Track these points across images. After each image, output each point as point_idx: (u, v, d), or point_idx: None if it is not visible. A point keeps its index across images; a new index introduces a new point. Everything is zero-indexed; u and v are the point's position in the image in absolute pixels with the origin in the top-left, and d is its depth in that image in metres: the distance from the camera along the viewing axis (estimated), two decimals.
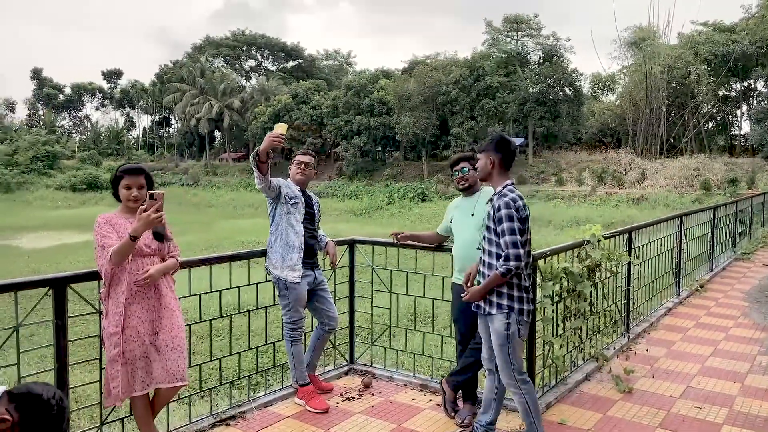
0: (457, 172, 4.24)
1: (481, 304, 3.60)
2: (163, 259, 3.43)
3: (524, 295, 3.53)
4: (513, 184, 3.59)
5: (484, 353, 3.75)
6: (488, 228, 3.54)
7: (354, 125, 46.78)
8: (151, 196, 3.19)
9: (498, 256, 3.46)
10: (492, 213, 3.49)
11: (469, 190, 4.22)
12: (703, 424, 4.17)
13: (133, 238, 3.13)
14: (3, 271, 14.65)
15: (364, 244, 5.21)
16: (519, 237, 3.40)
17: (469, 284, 3.74)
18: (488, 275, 3.50)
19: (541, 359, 4.54)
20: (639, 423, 4.18)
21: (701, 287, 8.53)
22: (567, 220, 27.24)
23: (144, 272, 3.27)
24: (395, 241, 4.64)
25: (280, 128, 4.01)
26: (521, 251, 3.40)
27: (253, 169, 4.15)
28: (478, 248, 3.70)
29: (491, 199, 3.57)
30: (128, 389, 3.26)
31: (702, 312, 7.32)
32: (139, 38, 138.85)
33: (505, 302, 3.49)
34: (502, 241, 3.42)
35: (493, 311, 3.52)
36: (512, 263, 3.37)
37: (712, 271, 9.65)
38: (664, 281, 7.55)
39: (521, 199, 3.52)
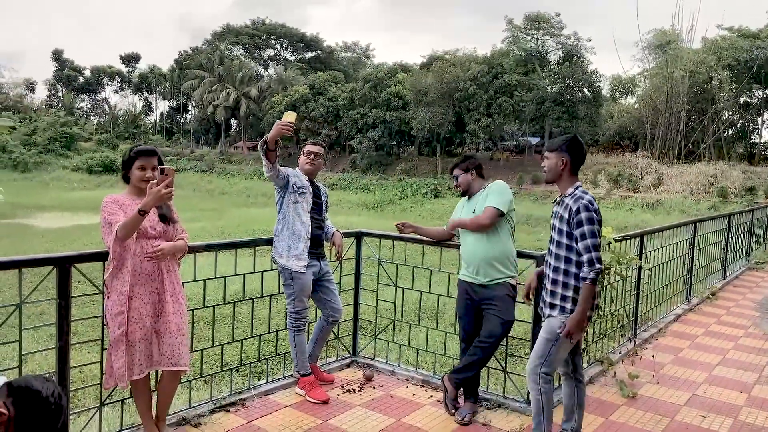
0: (455, 179, 4.25)
1: (542, 306, 3.54)
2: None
3: (591, 300, 3.42)
4: (581, 185, 3.48)
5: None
6: (560, 231, 3.41)
7: (370, 118, 46.72)
8: (162, 171, 3.19)
9: (572, 261, 3.36)
10: (566, 216, 3.36)
11: (466, 194, 4.22)
12: None
13: (142, 212, 3.11)
14: (17, 250, 14.82)
15: (371, 237, 5.19)
16: (598, 240, 3.32)
17: (531, 294, 3.77)
18: (562, 282, 3.39)
19: None
20: (642, 429, 4.13)
21: (712, 295, 8.42)
22: None
23: (155, 246, 3.27)
24: (397, 228, 4.61)
25: (289, 116, 3.97)
26: (600, 254, 3.32)
27: (262, 157, 4.14)
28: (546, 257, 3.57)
29: (560, 201, 3.46)
30: (128, 371, 3.27)
31: (712, 320, 7.23)
32: (161, 23, 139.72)
33: (568, 305, 3.38)
34: (582, 244, 3.29)
35: (555, 313, 3.42)
36: (597, 266, 3.26)
37: (724, 279, 9.53)
38: (674, 287, 7.46)
39: (595, 201, 3.43)
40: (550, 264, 3.47)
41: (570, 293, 3.38)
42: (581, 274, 3.31)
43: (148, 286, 3.30)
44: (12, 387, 1.91)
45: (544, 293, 3.55)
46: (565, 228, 3.37)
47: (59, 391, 1.95)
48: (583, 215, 3.29)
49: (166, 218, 3.40)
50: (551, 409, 3.55)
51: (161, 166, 3.25)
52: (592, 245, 3.28)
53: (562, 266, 3.39)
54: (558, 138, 3.58)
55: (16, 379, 1.98)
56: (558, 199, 3.51)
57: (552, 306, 3.44)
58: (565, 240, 3.38)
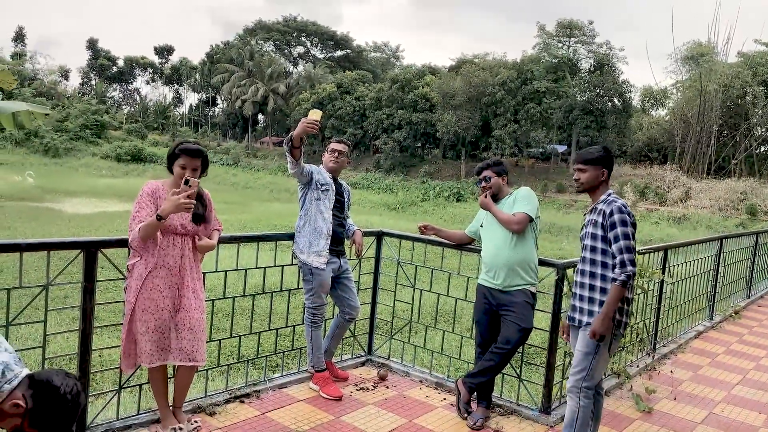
0: (480, 181, 4.19)
1: (576, 315, 3.48)
2: (197, 239, 3.48)
3: (624, 306, 3.38)
4: (613, 192, 3.51)
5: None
6: (594, 236, 3.39)
7: (395, 119, 46.78)
8: (186, 182, 3.21)
9: (608, 266, 3.33)
10: (601, 220, 3.36)
11: (494, 197, 4.16)
12: None
13: (159, 218, 3.16)
14: (44, 233, 15.11)
15: (392, 237, 5.20)
16: (632, 242, 3.29)
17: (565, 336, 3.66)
18: (600, 287, 3.35)
19: (560, 370, 4.46)
20: None
21: (736, 313, 8.27)
22: None
23: (179, 245, 3.34)
24: (419, 228, 4.60)
25: (315, 114, 3.99)
26: (634, 257, 3.28)
27: (287, 153, 4.18)
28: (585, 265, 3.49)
29: (593, 208, 3.46)
30: (135, 358, 3.34)
31: (734, 339, 7.10)
32: (195, 16, 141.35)
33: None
34: (615, 246, 3.28)
35: (591, 320, 3.36)
36: (629, 268, 3.23)
37: (749, 298, 9.35)
38: (697, 304, 7.34)
39: (627, 206, 3.44)
40: (585, 271, 3.44)
41: (596, 295, 3.37)
42: (611, 275, 3.29)
43: (168, 279, 3.34)
44: (33, 380, 1.95)
45: (576, 301, 3.50)
46: (599, 232, 3.37)
47: (78, 388, 1.97)
48: (617, 217, 3.29)
49: (199, 219, 3.44)
50: (584, 427, 3.46)
51: (186, 178, 3.25)
52: (625, 247, 3.25)
53: (599, 271, 3.37)
54: (590, 150, 3.53)
55: (39, 372, 2.01)
56: (591, 207, 3.51)
57: (590, 313, 3.38)
58: (600, 245, 3.37)
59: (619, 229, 3.28)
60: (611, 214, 3.32)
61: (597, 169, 3.44)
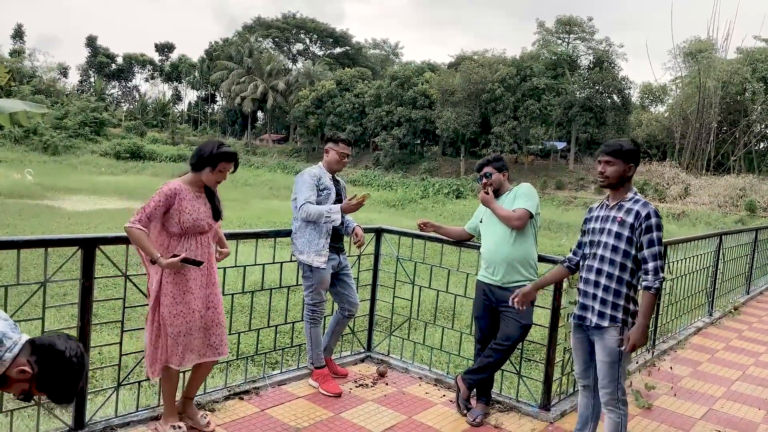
0: (480, 178, 4.18)
1: (587, 315, 3.32)
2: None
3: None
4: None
5: (577, 369, 3.53)
6: (618, 235, 3.21)
7: (395, 116, 46.73)
8: (197, 263, 3.25)
9: (627, 269, 3.20)
10: (631, 220, 3.17)
11: (495, 193, 4.15)
12: None
13: (153, 262, 3.20)
14: (43, 230, 15.09)
15: (391, 234, 5.19)
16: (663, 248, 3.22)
17: (519, 303, 3.63)
18: (615, 290, 3.21)
19: (560, 366, 4.46)
20: None
21: (735, 309, 8.27)
22: None
23: (206, 243, 3.43)
24: (419, 225, 4.58)
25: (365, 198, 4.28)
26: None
27: (322, 215, 4.20)
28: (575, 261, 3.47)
29: (617, 206, 3.26)
30: (163, 363, 3.37)
31: (733, 335, 7.11)
32: (198, 12, 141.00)
33: (620, 315, 3.21)
34: (649, 252, 3.12)
35: (605, 324, 3.23)
36: (662, 275, 3.10)
37: (748, 294, 9.35)
38: (696, 300, 7.34)
39: None
40: (602, 270, 3.26)
41: (622, 302, 3.22)
42: (645, 283, 3.12)
43: (199, 280, 3.40)
44: (35, 345, 1.94)
45: (588, 301, 3.33)
46: (626, 233, 3.19)
47: (81, 350, 1.99)
48: (654, 221, 3.15)
49: (219, 214, 3.50)
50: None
51: (198, 260, 3.27)
52: (659, 253, 3.13)
53: (617, 273, 3.22)
54: (620, 141, 3.33)
55: (40, 337, 2.01)
56: (613, 204, 3.30)
57: (601, 315, 3.25)
58: (624, 246, 3.20)
59: (654, 234, 3.13)
60: (648, 217, 3.15)
61: (625, 163, 3.24)
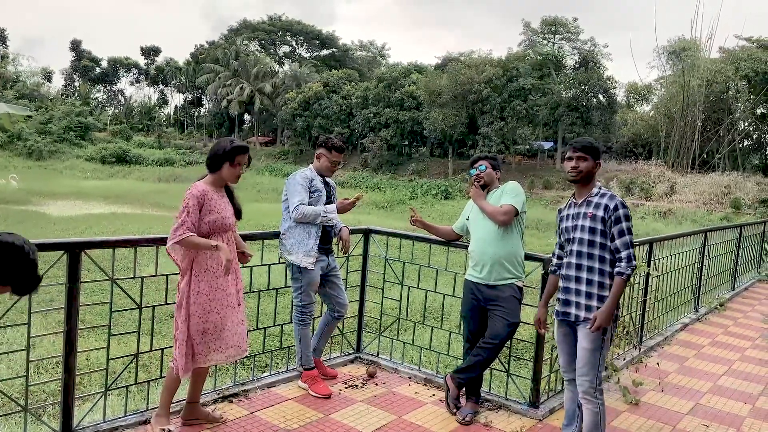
0: (474, 170, 4.21)
1: (572, 311, 3.42)
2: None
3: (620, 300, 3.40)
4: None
5: (563, 363, 3.62)
6: (592, 230, 3.34)
7: (382, 118, 46.76)
8: (226, 271, 3.38)
9: (606, 260, 3.32)
10: (601, 213, 3.31)
11: (485, 188, 4.19)
12: None
13: (215, 246, 3.34)
14: (29, 236, 14.93)
15: (379, 234, 5.20)
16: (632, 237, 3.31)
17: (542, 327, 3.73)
18: (598, 282, 3.32)
19: (548, 364, 4.49)
20: None
21: (721, 305, 8.36)
22: None
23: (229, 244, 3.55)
24: (410, 220, 4.57)
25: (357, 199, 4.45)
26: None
27: (318, 215, 4.25)
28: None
29: (585, 203, 3.39)
30: (193, 361, 3.45)
31: (719, 330, 7.19)
32: (185, 15, 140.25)
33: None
34: (620, 241, 3.28)
35: (589, 315, 3.34)
36: (634, 262, 3.26)
37: (733, 290, 9.45)
38: (682, 296, 7.42)
39: None
40: (581, 265, 3.38)
41: (607, 293, 3.31)
42: (617, 269, 3.26)
43: (231, 276, 3.50)
44: None
45: (570, 296, 3.44)
46: (599, 226, 3.32)
47: (29, 242, 2.00)
48: (621, 212, 3.29)
49: (239, 213, 3.63)
50: (605, 421, 3.49)
51: (234, 265, 3.48)
52: (630, 241, 3.27)
53: (597, 266, 3.34)
54: (589, 139, 3.55)
55: None
56: (578, 201, 3.44)
57: (588, 308, 3.35)
58: (599, 239, 3.33)
59: (624, 224, 3.28)
60: (616, 208, 3.29)
61: (594, 160, 3.40)
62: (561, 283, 3.50)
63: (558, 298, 3.53)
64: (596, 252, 3.33)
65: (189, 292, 3.39)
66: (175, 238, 3.31)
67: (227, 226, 3.52)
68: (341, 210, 4.41)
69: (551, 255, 3.78)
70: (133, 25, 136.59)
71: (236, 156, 3.48)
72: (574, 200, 3.49)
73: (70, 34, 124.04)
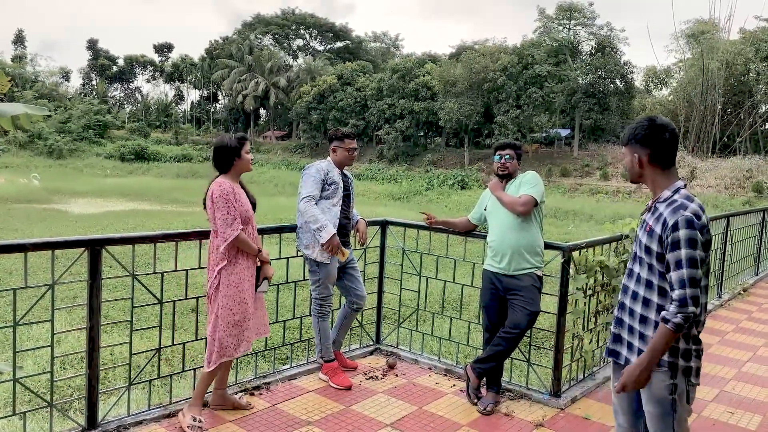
0: (499, 156, 4.16)
1: (623, 351, 2.57)
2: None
3: (692, 347, 2.46)
4: (686, 186, 2.52)
5: (623, 422, 2.69)
6: (647, 249, 2.45)
7: (397, 109, 46.62)
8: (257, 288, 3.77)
9: (660, 290, 2.43)
10: (659, 230, 2.39)
11: (508, 178, 4.16)
12: (735, 430, 4.04)
13: (259, 251, 3.70)
14: (51, 234, 15.18)
15: (396, 226, 5.19)
16: (699, 272, 2.33)
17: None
18: (640, 315, 2.49)
19: (569, 352, 4.46)
20: None
21: (744, 291, 8.24)
22: (609, 216, 26.62)
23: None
24: (426, 223, 4.59)
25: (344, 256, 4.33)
26: (700, 291, 2.34)
27: (314, 223, 4.23)
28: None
29: (651, 207, 2.52)
30: (235, 350, 3.60)
31: (743, 316, 7.08)
32: (199, 10, 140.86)
33: (666, 357, 2.42)
34: (675, 275, 2.32)
35: (633, 357, 2.50)
36: (691, 309, 2.30)
37: (757, 275, 9.31)
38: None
39: (704, 212, 2.41)
40: (638, 295, 2.52)
41: (650, 332, 2.45)
42: (663, 314, 2.35)
43: (253, 268, 3.71)
44: None
45: (623, 332, 2.59)
46: (655, 247, 2.42)
47: None
48: (682, 234, 2.33)
49: (255, 205, 3.84)
50: None
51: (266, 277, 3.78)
52: (688, 278, 2.30)
53: (655, 300, 2.45)
54: (632, 125, 2.59)
55: None
56: (649, 204, 2.55)
57: (630, 346, 2.54)
58: (657, 264, 2.43)
59: (683, 252, 2.32)
60: (675, 227, 2.34)
61: (630, 152, 2.55)
62: (615, 312, 2.69)
63: (609, 332, 2.72)
64: (655, 281, 2.45)
65: (219, 283, 3.54)
66: (234, 232, 3.49)
67: (249, 217, 3.68)
68: (329, 247, 4.21)
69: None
70: (147, 22, 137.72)
71: (242, 148, 3.68)
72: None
73: (86, 35, 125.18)
